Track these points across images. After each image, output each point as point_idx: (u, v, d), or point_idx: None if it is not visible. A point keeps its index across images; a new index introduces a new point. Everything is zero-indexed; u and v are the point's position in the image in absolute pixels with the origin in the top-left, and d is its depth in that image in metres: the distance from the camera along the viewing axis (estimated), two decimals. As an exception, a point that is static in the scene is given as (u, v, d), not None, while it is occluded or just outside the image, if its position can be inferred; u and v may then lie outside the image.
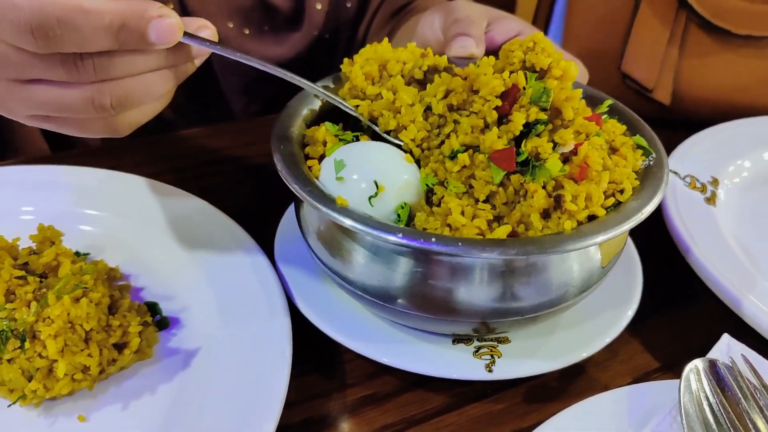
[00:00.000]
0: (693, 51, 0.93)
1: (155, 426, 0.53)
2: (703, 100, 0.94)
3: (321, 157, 0.60)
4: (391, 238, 0.49)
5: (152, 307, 0.61)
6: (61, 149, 1.02)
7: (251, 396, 0.52)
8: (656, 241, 0.73)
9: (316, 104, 0.65)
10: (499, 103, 0.55)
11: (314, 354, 0.61)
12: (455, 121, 0.57)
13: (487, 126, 0.56)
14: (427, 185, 0.56)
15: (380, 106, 0.60)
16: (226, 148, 0.90)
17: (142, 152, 0.85)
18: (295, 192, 0.53)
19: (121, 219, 0.70)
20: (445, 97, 0.58)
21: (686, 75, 0.94)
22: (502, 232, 0.52)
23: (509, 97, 0.56)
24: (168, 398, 0.55)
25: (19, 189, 0.72)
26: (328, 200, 0.52)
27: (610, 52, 0.95)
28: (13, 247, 0.60)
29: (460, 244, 0.49)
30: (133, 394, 0.55)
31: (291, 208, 0.73)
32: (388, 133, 0.59)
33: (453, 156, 0.55)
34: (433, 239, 0.49)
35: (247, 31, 1.07)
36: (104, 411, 0.54)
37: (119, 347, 0.56)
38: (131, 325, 0.56)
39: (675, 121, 0.94)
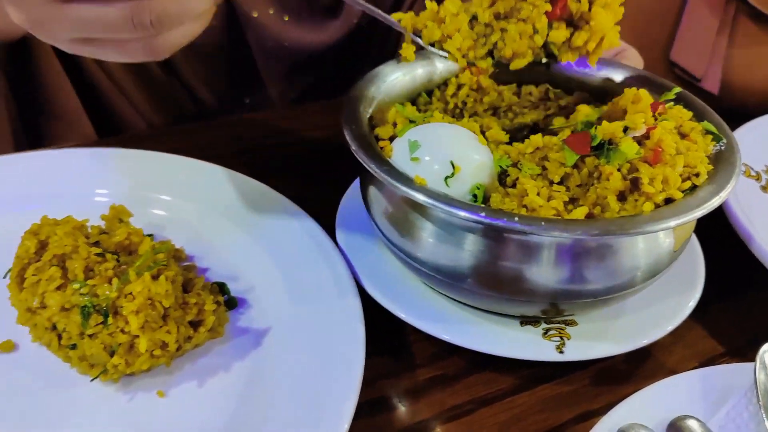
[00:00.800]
0: (742, 41, 0.93)
1: (233, 402, 0.53)
2: (751, 90, 0.94)
3: (391, 139, 0.60)
4: (476, 217, 0.49)
5: (221, 287, 0.61)
6: (107, 135, 1.03)
7: (328, 374, 0.53)
8: (712, 227, 0.73)
9: (382, 86, 0.65)
10: (548, 7, 0.55)
11: (379, 335, 0.61)
12: (502, 30, 0.57)
13: (536, 32, 0.56)
14: (500, 167, 0.57)
15: (424, 17, 0.60)
16: (274, 135, 0.91)
17: (187, 138, 0.86)
18: (372, 171, 0.54)
19: (182, 201, 0.71)
20: (492, 5, 0.58)
21: (735, 65, 0.94)
22: (580, 213, 0.52)
23: (559, 1, 0.56)
24: (243, 375, 0.55)
25: (93, 171, 0.72)
26: (406, 179, 0.53)
27: (659, 41, 0.95)
28: (83, 227, 0.61)
29: (543, 223, 0.49)
30: (209, 372, 0.56)
31: (350, 191, 0.73)
32: (432, 45, 0.59)
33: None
34: (516, 218, 0.49)
35: (286, 18, 1.08)
36: (181, 387, 0.55)
37: (194, 325, 0.56)
38: (206, 303, 0.56)
39: (723, 111, 0.93)
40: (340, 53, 1.16)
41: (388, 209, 0.59)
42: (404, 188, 0.52)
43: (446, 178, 0.54)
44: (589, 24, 0.58)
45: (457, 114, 0.70)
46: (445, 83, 0.72)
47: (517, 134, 0.69)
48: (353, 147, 0.56)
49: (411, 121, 0.61)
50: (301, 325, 0.58)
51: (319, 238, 0.66)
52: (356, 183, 0.75)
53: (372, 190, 0.61)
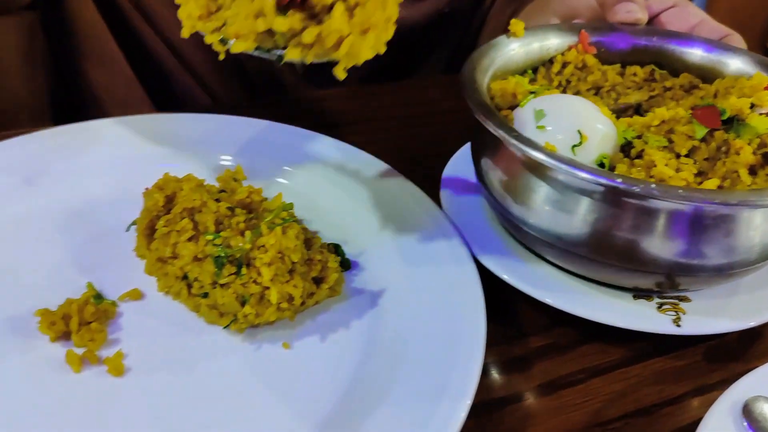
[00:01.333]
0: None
1: (356, 356, 0.55)
2: None
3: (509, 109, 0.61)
4: (612, 184, 0.50)
5: (335, 248, 0.63)
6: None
7: (450, 336, 0.54)
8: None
9: (497, 58, 0.66)
10: None
11: (488, 303, 0.62)
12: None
13: (262, 15, 0.49)
14: (624, 138, 0.57)
15: None
16: (365, 110, 0.92)
17: (266, 111, 0.87)
18: (502, 137, 0.54)
19: (290, 167, 0.72)
20: None
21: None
22: (711, 184, 0.52)
23: None
24: (363, 333, 0.57)
25: (219, 136, 0.75)
26: (537, 145, 0.53)
27: (754, 27, 0.94)
28: (203, 185, 0.63)
29: (680, 191, 0.49)
30: (329, 328, 0.57)
31: (451, 163, 0.74)
32: None
33: None
34: (653, 186, 0.49)
35: None
36: (305, 341, 0.56)
37: (316, 282, 0.58)
38: (329, 261, 0.58)
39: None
40: (418, 36, 1.16)
41: (504, 176, 0.60)
42: (538, 154, 0.52)
43: (573, 146, 0.55)
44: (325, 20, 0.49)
45: (560, 92, 0.70)
46: (550, 61, 0.72)
47: (620, 115, 0.70)
48: (479, 115, 0.57)
49: (530, 92, 0.61)
50: (417, 288, 0.59)
51: (426, 205, 0.67)
52: (456, 156, 0.76)
53: (488, 158, 0.62)
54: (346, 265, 0.63)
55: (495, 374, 0.57)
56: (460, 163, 0.75)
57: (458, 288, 0.58)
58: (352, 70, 1.19)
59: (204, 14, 0.52)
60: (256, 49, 0.51)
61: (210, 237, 0.55)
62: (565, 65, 0.72)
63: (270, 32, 0.50)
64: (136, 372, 0.53)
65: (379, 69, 1.16)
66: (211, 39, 0.52)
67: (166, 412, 0.50)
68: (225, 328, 0.55)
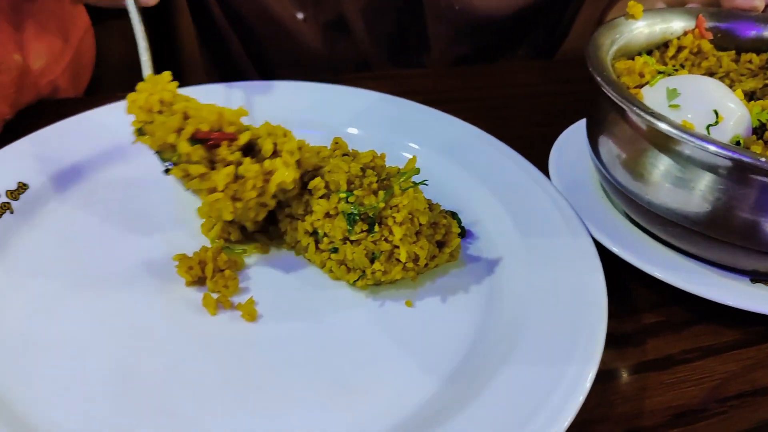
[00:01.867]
0: None
1: (477, 318, 0.56)
2: None
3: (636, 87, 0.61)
4: (748, 160, 0.50)
5: (454, 216, 0.64)
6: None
7: (572, 304, 0.55)
8: None
9: (620, 38, 0.66)
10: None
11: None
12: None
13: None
14: (759, 121, 0.57)
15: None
16: (465, 90, 0.93)
17: (380, 85, 0.89)
18: (639, 114, 0.55)
19: (403, 137, 0.74)
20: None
21: None
22: None
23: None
24: (482, 296, 0.58)
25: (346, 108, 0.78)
26: (674, 123, 0.54)
27: None
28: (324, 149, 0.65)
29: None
30: (449, 290, 0.59)
31: (558, 142, 0.75)
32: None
33: None
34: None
35: None
36: (426, 300, 0.58)
37: (438, 245, 0.59)
38: (453, 226, 0.59)
39: None
40: (506, 25, 1.17)
41: (624, 152, 0.60)
42: (680, 132, 0.52)
43: (708, 126, 0.55)
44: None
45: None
46: (665, 44, 0.73)
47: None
48: (611, 92, 0.57)
49: (659, 72, 0.62)
50: (534, 258, 0.60)
51: (539, 179, 0.68)
52: (561, 138, 0.77)
53: (608, 134, 0.62)
54: (462, 233, 0.64)
55: (609, 347, 0.58)
56: (564, 145, 0.76)
57: (576, 259, 0.59)
58: (443, 57, 1.21)
59: (144, 109, 0.60)
60: (156, 152, 0.59)
61: (343, 195, 0.57)
62: (680, 49, 0.72)
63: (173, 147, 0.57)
64: (267, 319, 0.56)
65: (468, 57, 1.18)
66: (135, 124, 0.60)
67: (299, 357, 0.52)
68: (352, 284, 0.57)
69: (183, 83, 0.76)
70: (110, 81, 0.97)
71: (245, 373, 0.51)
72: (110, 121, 0.72)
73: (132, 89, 0.61)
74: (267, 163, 0.56)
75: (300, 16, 1.08)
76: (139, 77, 0.64)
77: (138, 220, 0.64)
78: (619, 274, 0.63)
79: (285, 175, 0.55)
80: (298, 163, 0.58)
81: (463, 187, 0.69)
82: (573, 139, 0.76)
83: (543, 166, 0.71)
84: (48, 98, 0.84)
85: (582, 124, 0.78)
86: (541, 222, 0.63)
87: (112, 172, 0.69)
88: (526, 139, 0.77)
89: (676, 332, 0.60)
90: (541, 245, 0.61)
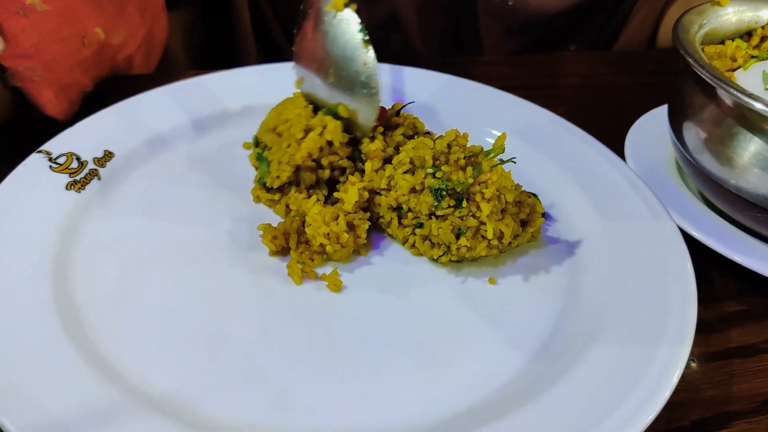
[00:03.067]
0: None
1: (560, 299, 0.56)
2: None
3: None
4: None
5: (534, 197, 0.64)
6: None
7: (659, 286, 0.54)
8: None
9: (708, 23, 0.66)
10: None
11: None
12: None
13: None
14: None
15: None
16: (523, 78, 0.93)
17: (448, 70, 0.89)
18: (735, 95, 0.54)
19: (478, 120, 0.74)
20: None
21: None
22: None
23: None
24: (564, 277, 0.58)
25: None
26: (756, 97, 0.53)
27: None
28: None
29: None
30: (531, 270, 0.59)
31: (635, 127, 0.74)
32: None
33: None
34: None
35: None
36: (509, 279, 0.58)
37: (522, 224, 0.59)
38: (537, 205, 0.59)
39: None
40: (560, 20, 1.16)
41: (711, 137, 0.60)
42: None
43: None
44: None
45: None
46: (748, 33, 0.72)
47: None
48: (703, 72, 0.57)
49: (752, 57, 0.61)
50: (616, 241, 0.60)
51: (617, 163, 0.67)
52: (640, 121, 0.76)
53: (693, 118, 0.62)
54: (543, 214, 0.64)
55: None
56: (639, 132, 0.75)
57: (660, 241, 0.58)
58: (499, 48, 1.20)
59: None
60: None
61: (430, 170, 0.57)
62: (763, 39, 0.71)
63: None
64: (352, 290, 0.56)
65: (520, 53, 1.17)
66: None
67: (384, 328, 0.53)
68: (435, 259, 0.58)
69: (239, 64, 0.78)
70: (171, 68, 0.98)
71: (332, 341, 0.51)
72: (190, 96, 0.73)
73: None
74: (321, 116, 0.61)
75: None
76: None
77: (221, 190, 0.65)
78: (700, 261, 0.62)
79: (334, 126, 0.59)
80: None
81: (540, 170, 0.68)
82: (648, 127, 0.76)
83: (618, 155, 0.71)
84: (123, 73, 0.85)
85: (656, 113, 0.78)
86: (621, 205, 0.63)
87: (195, 144, 0.70)
88: (599, 127, 0.76)
89: (759, 321, 0.59)
90: (622, 228, 0.61)
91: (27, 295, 0.50)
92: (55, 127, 0.67)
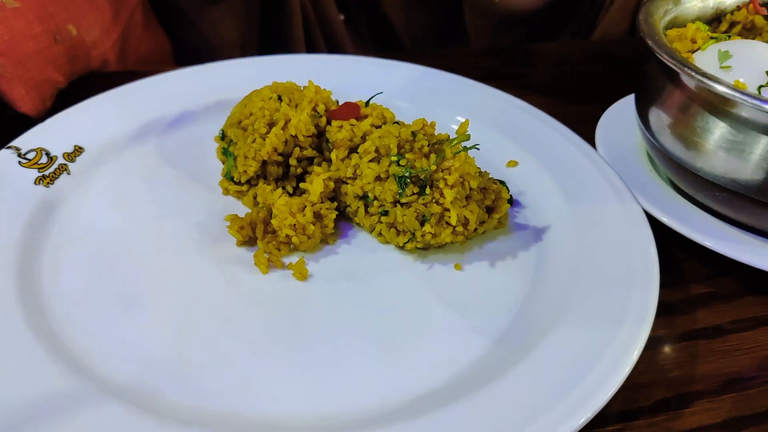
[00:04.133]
0: None
1: (527, 284, 0.56)
2: None
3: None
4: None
5: (502, 183, 0.64)
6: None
7: (623, 269, 0.55)
8: None
9: (672, 10, 0.66)
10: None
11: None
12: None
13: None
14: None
15: None
16: (498, 68, 0.93)
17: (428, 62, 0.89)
18: (693, 76, 0.55)
19: (449, 109, 0.74)
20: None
21: None
22: None
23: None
24: (531, 262, 0.58)
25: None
26: (730, 84, 0.53)
27: None
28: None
29: None
30: (497, 256, 0.59)
31: (606, 116, 0.75)
32: None
33: None
34: None
35: None
36: (475, 265, 0.58)
37: (487, 211, 0.60)
38: (502, 191, 0.60)
39: None
40: (545, 17, 1.17)
41: (674, 120, 0.60)
42: (732, 92, 0.52)
43: (759, 87, 0.55)
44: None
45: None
46: (718, 19, 0.72)
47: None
48: (664, 57, 0.57)
49: (711, 38, 0.61)
50: (583, 225, 0.60)
51: (586, 151, 0.67)
52: (612, 109, 0.76)
53: (658, 104, 0.62)
54: (510, 201, 0.64)
55: (658, 315, 0.57)
56: (611, 120, 0.76)
57: (626, 225, 0.59)
58: (485, 45, 1.21)
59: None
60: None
61: (394, 158, 0.57)
62: (732, 25, 0.71)
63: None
64: (318, 278, 0.57)
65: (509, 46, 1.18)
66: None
67: (349, 315, 0.53)
68: (401, 246, 0.58)
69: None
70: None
71: (297, 329, 0.52)
72: (162, 91, 0.73)
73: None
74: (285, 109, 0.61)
75: (341, 17, 1.10)
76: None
77: (191, 183, 0.65)
78: (668, 246, 0.63)
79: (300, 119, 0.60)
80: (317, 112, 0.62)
81: (509, 158, 0.69)
82: (619, 115, 0.76)
83: (589, 143, 0.71)
84: (98, 71, 0.86)
85: (628, 101, 0.78)
86: (589, 191, 0.63)
87: (166, 138, 0.70)
88: (571, 116, 0.77)
89: (726, 302, 0.59)
90: (589, 213, 0.61)
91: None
92: (29, 123, 0.67)
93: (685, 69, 0.55)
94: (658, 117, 0.62)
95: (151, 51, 0.99)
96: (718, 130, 0.57)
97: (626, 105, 0.77)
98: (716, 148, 0.57)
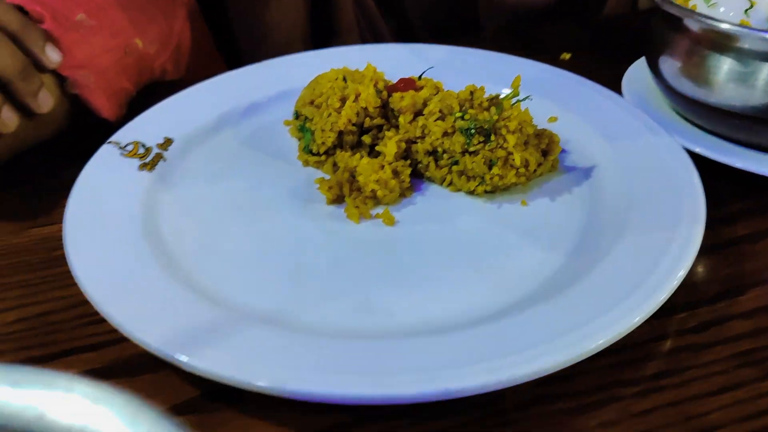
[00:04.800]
0: None
1: (585, 214, 0.64)
2: None
3: None
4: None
5: (549, 131, 0.72)
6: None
7: (671, 194, 0.62)
8: None
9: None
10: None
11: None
12: None
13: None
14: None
15: None
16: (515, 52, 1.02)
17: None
18: (692, 18, 0.63)
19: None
20: None
21: None
22: None
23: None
24: (585, 194, 0.67)
25: None
26: (729, 22, 0.62)
27: None
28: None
29: None
30: (555, 192, 0.67)
31: (634, 67, 0.83)
32: None
33: None
34: None
35: None
36: (538, 201, 0.66)
37: (543, 154, 0.68)
38: (554, 135, 0.68)
39: None
40: (559, 12, 1.25)
41: (682, 65, 0.69)
42: (720, 25, 0.61)
43: (746, 10, 0.64)
44: None
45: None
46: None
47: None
48: (664, 5, 0.66)
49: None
50: (625, 158, 0.68)
51: (615, 99, 0.76)
52: (637, 64, 0.85)
53: (669, 52, 0.71)
54: (557, 147, 0.72)
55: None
56: (634, 75, 0.84)
57: (665, 153, 0.67)
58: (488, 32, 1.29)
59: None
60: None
61: (458, 114, 0.65)
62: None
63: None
64: (404, 223, 0.64)
65: None
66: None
67: (438, 248, 0.61)
68: (472, 191, 0.66)
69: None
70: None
71: (397, 259, 0.60)
72: (230, 87, 0.82)
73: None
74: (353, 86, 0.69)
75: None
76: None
77: (272, 160, 0.73)
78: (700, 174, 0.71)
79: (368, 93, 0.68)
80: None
81: (549, 114, 0.77)
82: (643, 70, 0.85)
83: (615, 95, 0.79)
84: (158, 80, 0.94)
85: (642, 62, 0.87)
86: (626, 132, 0.71)
87: (239, 126, 0.78)
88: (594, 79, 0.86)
89: (761, 214, 0.67)
90: (629, 148, 0.69)
91: (128, 249, 0.58)
92: (101, 131, 0.75)
93: (695, 17, 0.64)
94: (670, 64, 0.71)
95: (204, 56, 1.08)
96: (725, 65, 0.66)
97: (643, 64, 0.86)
98: (726, 81, 0.66)
